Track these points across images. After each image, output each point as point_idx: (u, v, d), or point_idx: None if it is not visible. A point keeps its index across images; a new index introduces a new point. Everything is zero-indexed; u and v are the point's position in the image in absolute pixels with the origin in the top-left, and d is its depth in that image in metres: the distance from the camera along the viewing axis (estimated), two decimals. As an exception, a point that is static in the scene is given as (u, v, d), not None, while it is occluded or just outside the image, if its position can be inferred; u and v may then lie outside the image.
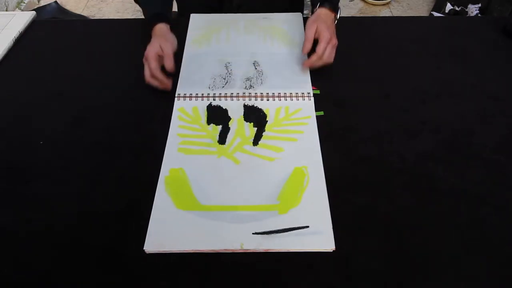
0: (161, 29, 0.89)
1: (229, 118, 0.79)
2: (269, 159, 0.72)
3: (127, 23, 1.11)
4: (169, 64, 0.83)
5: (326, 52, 0.85)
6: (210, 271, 0.58)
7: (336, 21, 0.94)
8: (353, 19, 1.03)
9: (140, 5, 1.00)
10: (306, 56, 0.89)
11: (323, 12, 0.91)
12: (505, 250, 0.60)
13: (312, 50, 0.86)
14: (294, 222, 0.62)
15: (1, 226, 0.64)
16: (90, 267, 0.59)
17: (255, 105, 0.81)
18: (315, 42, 0.87)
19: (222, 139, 0.75)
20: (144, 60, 0.84)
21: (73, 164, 0.72)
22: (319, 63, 0.86)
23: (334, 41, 0.87)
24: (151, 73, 0.82)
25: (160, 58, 0.84)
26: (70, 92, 0.87)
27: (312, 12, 0.95)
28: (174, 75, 0.85)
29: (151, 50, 0.83)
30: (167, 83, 0.83)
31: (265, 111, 0.80)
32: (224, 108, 0.81)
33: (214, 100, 0.82)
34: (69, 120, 0.80)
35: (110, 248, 0.61)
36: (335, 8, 0.92)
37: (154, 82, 0.83)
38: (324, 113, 0.80)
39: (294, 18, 1.04)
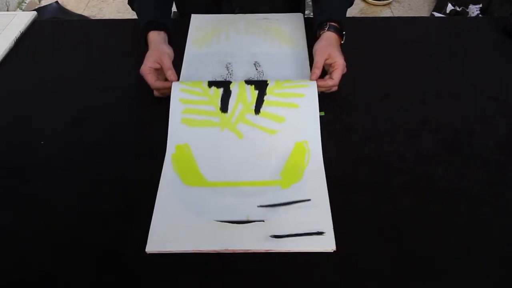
0: (155, 41, 0.86)
1: (230, 82, 0.79)
2: (271, 132, 0.74)
3: (128, 23, 1.10)
4: (171, 75, 0.81)
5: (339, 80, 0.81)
6: (211, 271, 0.58)
7: (341, 45, 0.89)
8: (354, 19, 1.03)
9: (136, 12, 0.96)
10: (308, 68, 0.87)
11: (333, 37, 0.86)
12: (505, 250, 0.60)
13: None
14: (297, 196, 0.65)
15: (1, 226, 0.64)
16: (90, 267, 0.59)
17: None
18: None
19: (224, 106, 0.76)
20: (142, 77, 0.82)
21: (73, 164, 0.72)
22: (328, 90, 0.82)
23: (345, 70, 0.83)
24: (152, 87, 0.81)
25: (157, 71, 0.82)
26: (70, 92, 0.87)
27: (315, 33, 0.90)
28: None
29: (144, 67, 0.81)
30: (173, 79, 0.81)
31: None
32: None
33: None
34: (69, 120, 0.80)
35: (110, 248, 0.61)
36: (341, 33, 0.88)
37: (161, 94, 0.82)
38: (324, 113, 0.80)
39: (295, 18, 1.04)
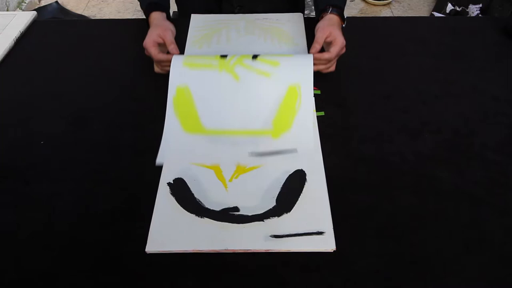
0: (157, 19, 0.91)
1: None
2: (266, 74, 0.76)
3: (128, 23, 1.11)
4: (174, 49, 0.84)
5: (336, 59, 0.84)
6: (211, 271, 0.58)
7: (342, 28, 0.92)
8: (354, 19, 1.03)
9: None
10: (309, 52, 0.87)
11: (335, 19, 0.89)
12: (505, 250, 0.60)
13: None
14: (285, 146, 0.72)
15: (1, 226, 0.64)
16: (90, 267, 0.59)
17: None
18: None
19: (223, 56, 0.79)
20: (145, 52, 0.85)
21: (73, 164, 0.72)
22: (324, 67, 0.84)
23: (344, 50, 0.85)
24: (154, 59, 0.84)
25: (160, 45, 0.85)
26: (70, 92, 0.87)
27: (318, 16, 0.93)
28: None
29: (148, 40, 0.85)
30: (174, 52, 0.84)
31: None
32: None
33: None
34: (69, 120, 0.80)
35: (110, 248, 0.61)
36: (343, 17, 0.92)
37: (163, 70, 0.84)
38: (324, 113, 0.80)
39: (295, 18, 1.04)
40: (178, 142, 0.73)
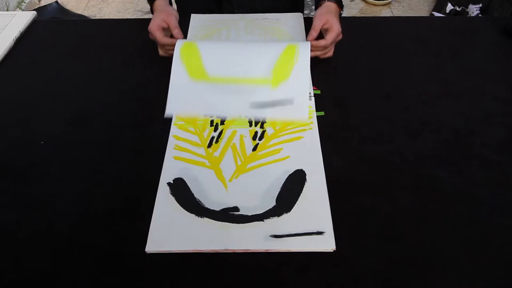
0: (161, 5, 0.95)
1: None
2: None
3: (128, 23, 1.11)
4: (178, 33, 0.89)
5: (333, 45, 0.87)
6: (211, 271, 0.58)
7: (340, 15, 0.95)
8: (354, 19, 1.03)
9: None
10: (306, 39, 0.90)
11: (333, 6, 0.93)
12: (505, 250, 0.60)
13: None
14: (282, 96, 0.77)
15: (1, 226, 0.64)
16: (90, 267, 0.59)
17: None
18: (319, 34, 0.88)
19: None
20: (150, 36, 0.89)
21: (73, 164, 0.72)
22: (321, 52, 0.88)
23: (341, 36, 0.89)
24: (160, 42, 0.88)
25: (164, 30, 0.89)
26: (70, 92, 0.87)
27: (316, 6, 0.96)
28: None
29: (153, 24, 0.88)
30: (178, 37, 0.88)
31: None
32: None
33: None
34: (69, 120, 0.80)
35: (110, 248, 0.61)
36: (341, 4, 0.95)
37: (167, 53, 0.88)
38: (324, 113, 0.80)
39: (295, 18, 1.04)
40: (184, 90, 0.78)
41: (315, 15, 0.91)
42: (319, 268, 0.58)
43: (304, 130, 0.76)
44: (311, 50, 0.82)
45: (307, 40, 0.88)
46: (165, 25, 0.89)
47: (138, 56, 0.84)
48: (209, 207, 0.64)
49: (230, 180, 0.69)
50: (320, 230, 0.61)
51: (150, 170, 0.70)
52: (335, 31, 0.86)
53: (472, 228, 0.62)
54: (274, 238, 0.60)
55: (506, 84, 0.86)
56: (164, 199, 0.66)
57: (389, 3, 2.55)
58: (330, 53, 0.90)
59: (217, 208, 0.64)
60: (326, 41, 0.86)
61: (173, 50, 0.83)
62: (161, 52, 0.91)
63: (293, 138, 0.75)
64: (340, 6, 0.95)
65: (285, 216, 0.63)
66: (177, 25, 0.90)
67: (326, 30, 0.88)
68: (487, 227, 0.63)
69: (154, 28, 0.88)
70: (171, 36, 0.90)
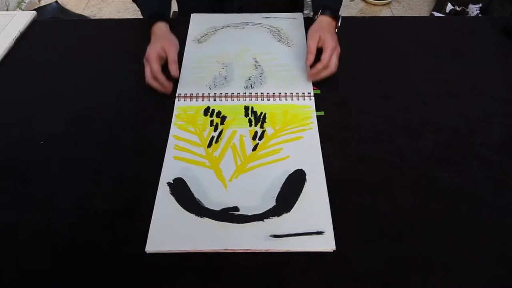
0: (161, 29, 0.89)
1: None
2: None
3: (128, 23, 1.11)
4: (175, 70, 0.82)
5: (333, 61, 0.82)
6: (211, 271, 0.58)
7: (337, 29, 0.91)
8: (354, 19, 1.03)
9: (137, 5, 0.99)
10: (305, 64, 0.86)
11: (325, 21, 0.88)
12: (505, 250, 0.60)
13: (316, 60, 0.84)
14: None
15: (1, 226, 0.64)
16: (90, 267, 0.59)
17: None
18: (318, 52, 0.84)
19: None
20: (145, 60, 0.83)
21: (73, 164, 0.72)
22: (325, 73, 0.83)
23: (339, 49, 0.84)
24: (153, 74, 0.81)
25: (162, 59, 0.83)
26: (70, 92, 0.87)
27: (313, 19, 0.92)
28: (174, 79, 0.84)
29: (153, 51, 0.81)
30: (168, 86, 0.81)
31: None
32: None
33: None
34: (69, 120, 0.80)
35: (110, 248, 0.61)
36: (336, 16, 0.90)
37: (154, 84, 0.81)
38: (324, 113, 0.80)
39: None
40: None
41: (308, 33, 0.87)
42: (319, 268, 0.58)
43: (304, 130, 0.76)
44: (316, 74, 0.81)
45: (306, 65, 0.84)
46: (163, 54, 0.83)
47: (138, 56, 0.84)
48: (209, 207, 0.65)
49: (230, 180, 0.69)
50: (320, 230, 0.61)
51: (150, 170, 0.70)
52: (329, 47, 0.82)
53: (472, 228, 0.62)
54: (274, 238, 0.60)
55: (506, 84, 0.86)
56: (164, 199, 0.66)
57: (389, 3, 2.54)
58: (333, 68, 0.83)
59: (217, 208, 0.64)
60: (323, 62, 0.81)
61: (166, 88, 0.80)
62: (150, 82, 0.81)
63: (293, 138, 0.75)
64: (336, 18, 0.90)
65: (285, 216, 0.63)
66: (176, 59, 0.83)
67: (321, 48, 0.84)
68: (487, 227, 0.63)
69: (153, 58, 0.81)
70: (166, 63, 0.83)
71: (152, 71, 0.81)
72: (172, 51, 0.83)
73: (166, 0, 0.97)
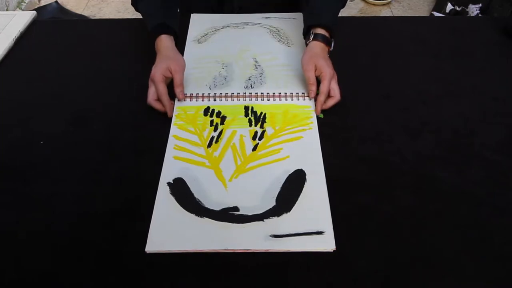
0: (166, 47, 0.84)
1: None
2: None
3: (128, 23, 1.11)
4: (181, 93, 0.80)
5: (335, 89, 0.80)
6: (211, 271, 0.58)
7: (329, 53, 0.86)
8: (354, 19, 1.03)
9: (141, 13, 0.93)
10: (309, 96, 0.82)
11: (317, 47, 0.83)
12: (505, 250, 0.60)
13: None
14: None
15: (1, 226, 0.64)
16: (90, 267, 0.59)
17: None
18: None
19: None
20: (150, 81, 0.80)
21: (73, 164, 0.72)
22: (331, 102, 0.80)
23: (335, 75, 0.81)
24: (158, 96, 0.78)
25: (167, 80, 0.80)
26: (70, 92, 0.87)
27: (304, 34, 0.88)
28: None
29: (158, 72, 0.78)
30: (170, 109, 0.79)
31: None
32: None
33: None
34: (69, 120, 0.80)
35: (110, 248, 0.61)
36: (329, 42, 0.85)
37: (156, 106, 0.79)
38: (323, 115, 0.80)
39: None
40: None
41: (302, 63, 0.82)
42: (319, 268, 0.58)
43: (304, 130, 0.76)
44: (320, 104, 0.79)
45: (310, 97, 0.81)
46: (169, 75, 0.79)
47: (138, 56, 0.84)
48: (209, 207, 0.65)
49: (230, 180, 0.69)
50: (320, 230, 0.61)
51: (150, 170, 0.70)
52: (327, 77, 0.78)
53: (472, 228, 0.62)
54: (274, 238, 0.60)
55: (506, 84, 0.86)
56: (164, 199, 0.66)
57: (389, 3, 2.55)
58: (338, 96, 0.80)
59: (217, 208, 0.64)
60: (324, 92, 0.79)
61: (166, 109, 0.78)
62: (152, 103, 0.79)
63: (293, 138, 0.75)
64: (328, 43, 0.85)
65: (285, 216, 0.63)
66: (182, 82, 0.80)
67: (318, 77, 0.80)
68: (487, 227, 0.63)
69: (159, 79, 0.77)
70: (170, 83, 0.81)
71: (157, 92, 0.78)
72: (178, 73, 0.80)
73: (172, 9, 0.91)
